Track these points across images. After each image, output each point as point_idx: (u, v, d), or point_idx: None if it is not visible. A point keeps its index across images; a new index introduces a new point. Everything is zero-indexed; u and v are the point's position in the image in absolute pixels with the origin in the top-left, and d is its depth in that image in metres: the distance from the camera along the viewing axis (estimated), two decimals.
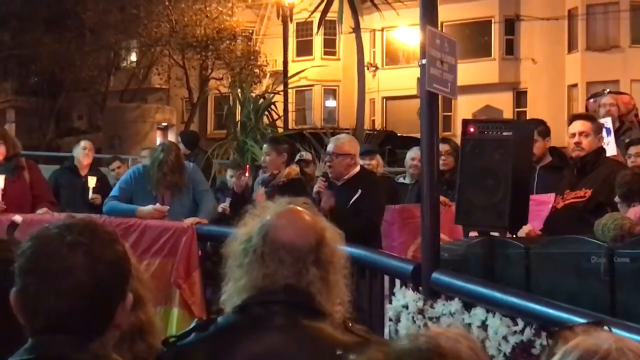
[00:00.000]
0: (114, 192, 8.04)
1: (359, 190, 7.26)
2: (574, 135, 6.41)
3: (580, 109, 31.47)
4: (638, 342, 1.94)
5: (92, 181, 10.06)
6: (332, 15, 28.78)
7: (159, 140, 31.13)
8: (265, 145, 8.24)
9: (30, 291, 2.08)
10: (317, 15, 28.83)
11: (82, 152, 10.48)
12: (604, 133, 7.09)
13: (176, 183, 7.79)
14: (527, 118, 31.38)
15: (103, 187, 10.29)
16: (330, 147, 7.63)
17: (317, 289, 2.75)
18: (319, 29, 30.80)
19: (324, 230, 2.84)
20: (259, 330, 2.73)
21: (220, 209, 8.60)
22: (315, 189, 7.42)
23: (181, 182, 7.81)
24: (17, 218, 7.34)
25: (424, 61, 5.46)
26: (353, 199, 7.20)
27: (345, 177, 7.47)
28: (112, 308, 2.13)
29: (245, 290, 2.78)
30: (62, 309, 2.07)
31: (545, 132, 7.99)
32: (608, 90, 9.74)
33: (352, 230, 6.98)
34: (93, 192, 10.00)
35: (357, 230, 6.93)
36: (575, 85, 34.39)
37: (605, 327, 2.55)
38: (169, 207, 7.75)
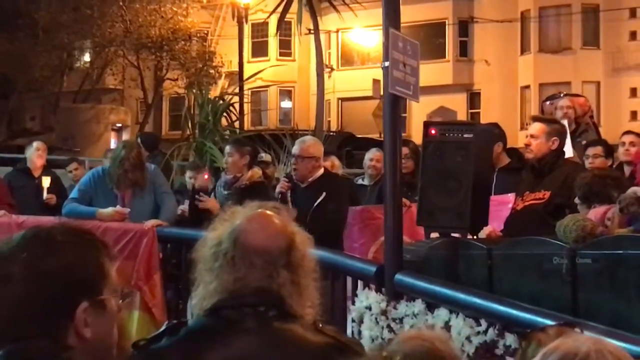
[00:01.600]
0: (73, 194, 7.98)
1: (324, 193, 7.29)
2: (527, 136, 6.51)
3: (533, 110, 31.81)
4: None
5: (46, 181, 9.98)
6: (288, 16, 28.75)
7: (113, 141, 30.94)
8: (228, 147, 8.24)
9: None
10: (274, 16, 28.79)
11: (36, 153, 10.40)
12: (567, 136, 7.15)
13: (137, 181, 7.74)
14: (481, 119, 31.67)
15: (57, 187, 10.23)
16: (295, 150, 7.63)
17: (287, 292, 2.76)
18: (277, 30, 30.75)
19: (294, 234, 2.85)
20: (230, 334, 2.73)
21: (179, 211, 8.57)
22: (277, 189, 7.43)
23: (142, 180, 7.77)
24: None
25: (386, 64, 5.48)
26: (317, 201, 7.24)
27: (310, 179, 7.50)
28: (59, 318, 2.09)
29: (216, 294, 2.78)
30: (3, 318, 2.07)
31: (499, 137, 8.05)
32: (564, 92, 9.85)
33: (314, 233, 7.11)
34: (47, 193, 9.93)
35: (319, 233, 7.00)
36: (528, 86, 34.77)
37: (577, 329, 2.59)
38: (129, 210, 7.70)
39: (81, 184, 8.06)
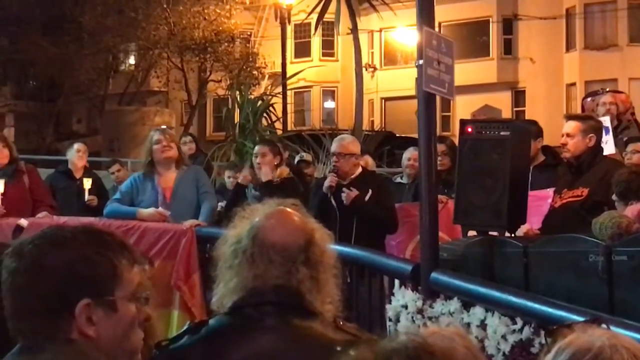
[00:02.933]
0: (116, 195, 8.06)
1: (370, 190, 7.38)
2: (562, 135, 6.44)
3: (578, 108, 31.42)
4: (634, 339, 1.95)
5: (87, 183, 10.08)
6: (330, 16, 28.77)
7: None
8: (258, 147, 8.40)
9: None
10: (315, 16, 28.84)
11: (77, 155, 10.52)
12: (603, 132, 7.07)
13: (169, 152, 7.76)
14: (526, 117, 31.39)
15: (98, 188, 10.33)
16: (335, 148, 7.69)
17: (307, 288, 2.77)
18: (316, 30, 30.77)
19: (313, 231, 2.86)
20: (250, 332, 2.74)
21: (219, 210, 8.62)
22: (327, 183, 7.46)
23: (175, 154, 7.79)
24: (23, 222, 7.37)
25: (420, 62, 5.46)
26: (366, 199, 7.35)
27: (352, 177, 7.56)
28: (60, 312, 2.09)
29: (236, 292, 2.79)
30: (9, 311, 2.11)
31: (537, 133, 8.01)
32: (607, 89, 9.74)
33: (376, 220, 7.20)
34: (89, 194, 10.03)
35: (381, 220, 7.31)
36: (573, 84, 34.41)
37: (603, 325, 2.57)
38: (170, 213, 7.71)
39: (123, 186, 8.11)
